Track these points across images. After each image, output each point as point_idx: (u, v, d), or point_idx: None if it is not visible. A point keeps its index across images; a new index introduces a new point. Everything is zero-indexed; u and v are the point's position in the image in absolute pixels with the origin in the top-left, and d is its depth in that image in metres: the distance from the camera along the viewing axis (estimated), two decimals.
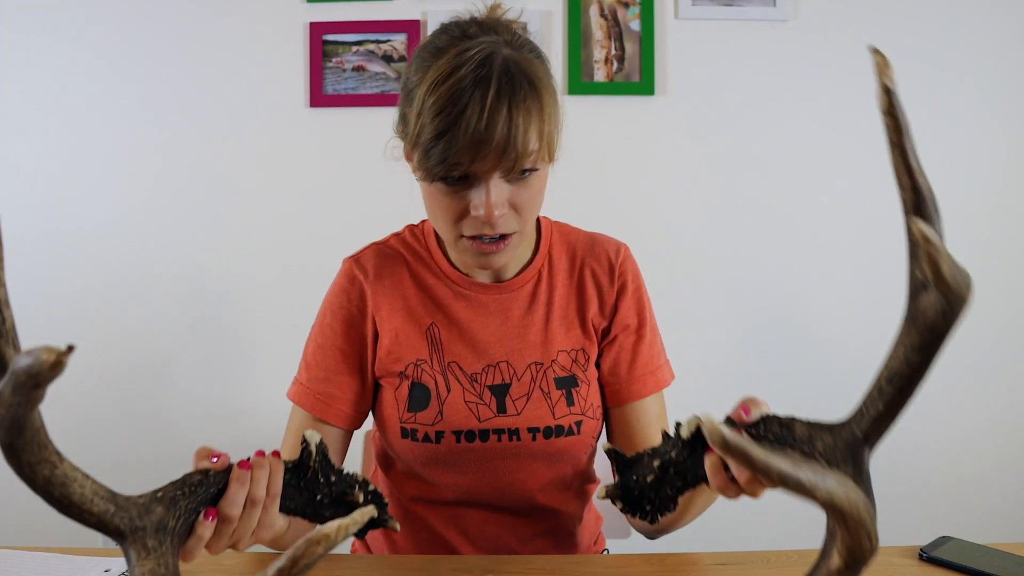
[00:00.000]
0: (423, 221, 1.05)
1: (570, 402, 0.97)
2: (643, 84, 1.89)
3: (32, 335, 1.81)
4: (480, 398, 0.97)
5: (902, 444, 1.98)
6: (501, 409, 0.97)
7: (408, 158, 0.93)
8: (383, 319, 0.99)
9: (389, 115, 0.96)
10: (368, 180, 1.72)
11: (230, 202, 1.93)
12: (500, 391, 0.97)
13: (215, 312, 1.95)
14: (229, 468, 0.67)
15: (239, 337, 1.96)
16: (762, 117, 1.92)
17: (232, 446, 0.68)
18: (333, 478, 0.73)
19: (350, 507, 0.73)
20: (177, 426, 1.94)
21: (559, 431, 0.97)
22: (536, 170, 0.88)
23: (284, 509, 0.71)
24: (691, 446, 0.70)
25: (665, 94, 1.91)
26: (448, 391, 0.97)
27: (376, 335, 1.00)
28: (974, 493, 2.05)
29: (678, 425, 0.71)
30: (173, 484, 0.61)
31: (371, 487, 0.74)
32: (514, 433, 0.96)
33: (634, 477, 0.74)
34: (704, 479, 0.70)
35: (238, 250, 1.93)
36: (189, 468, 0.65)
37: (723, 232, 1.94)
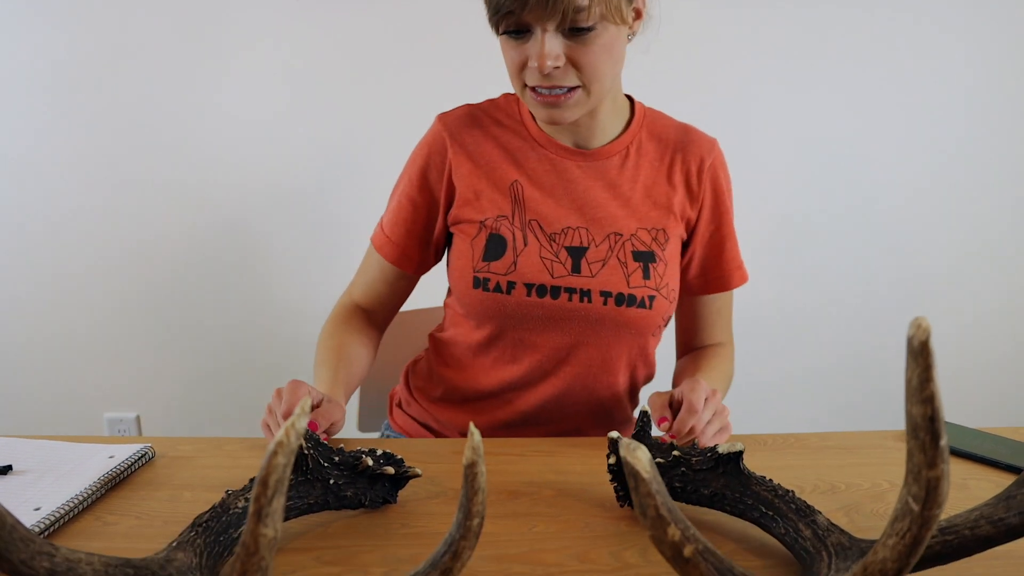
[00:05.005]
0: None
1: (646, 275, 0.98)
2: None
3: (63, 254, 1.78)
4: (556, 256, 0.97)
5: (902, 331, 2.01)
6: (576, 270, 0.97)
7: None
8: (463, 175, 1.01)
9: None
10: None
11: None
12: (577, 253, 0.98)
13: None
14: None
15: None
16: None
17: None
18: (336, 458, 0.71)
19: (365, 476, 0.72)
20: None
21: (631, 300, 0.97)
22: (594, 29, 0.86)
23: (306, 508, 0.69)
24: (716, 463, 0.68)
25: None
26: (525, 245, 0.97)
27: (452, 188, 1.02)
28: (970, 380, 2.09)
29: (715, 447, 0.68)
30: (185, 531, 0.60)
31: (378, 450, 0.73)
32: (586, 294, 0.97)
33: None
34: (704, 503, 0.69)
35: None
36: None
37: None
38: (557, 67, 0.87)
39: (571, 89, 0.90)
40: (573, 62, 0.88)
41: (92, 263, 1.96)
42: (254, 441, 0.90)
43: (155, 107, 1.85)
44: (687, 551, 0.46)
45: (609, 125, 1.02)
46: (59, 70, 1.82)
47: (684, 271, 1.07)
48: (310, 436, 0.69)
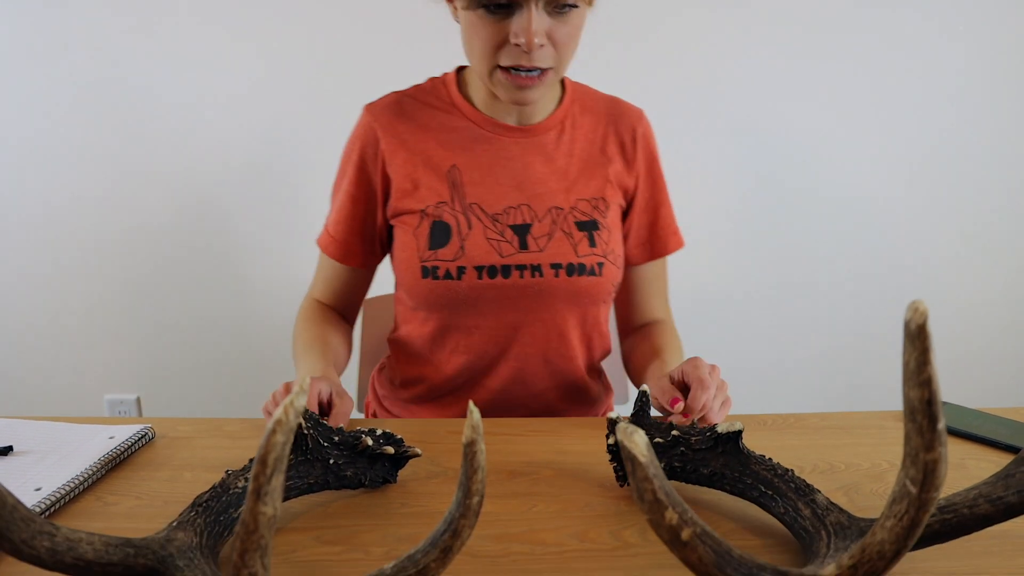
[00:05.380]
0: (444, 73, 1.06)
1: (592, 243, 0.99)
2: None
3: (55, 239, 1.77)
4: (502, 236, 0.97)
5: (898, 311, 2.01)
6: (523, 246, 0.97)
7: None
8: (398, 165, 1.00)
9: None
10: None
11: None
12: (522, 230, 0.98)
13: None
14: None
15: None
16: None
17: None
18: (336, 438, 0.70)
19: (365, 456, 0.72)
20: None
21: (581, 269, 0.98)
22: (576, 7, 0.88)
23: (306, 488, 0.69)
24: (715, 442, 0.68)
25: None
26: (470, 228, 0.97)
27: (388, 180, 1.01)
28: (970, 360, 2.09)
29: (714, 427, 0.68)
30: (185, 511, 0.60)
31: (377, 430, 0.73)
32: (537, 269, 0.97)
33: (643, 428, 0.72)
34: (703, 482, 0.69)
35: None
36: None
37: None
38: (543, 45, 0.87)
39: (543, 71, 0.90)
40: (552, 40, 0.88)
41: (92, 245, 1.96)
42: (254, 422, 0.90)
43: (161, 97, 1.84)
44: (685, 534, 0.46)
45: (547, 101, 1.03)
46: (33, 52, 1.81)
47: (624, 241, 1.07)
48: (310, 416, 0.69)
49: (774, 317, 2.04)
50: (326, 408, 0.83)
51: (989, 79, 1.88)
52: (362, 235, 1.05)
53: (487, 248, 0.96)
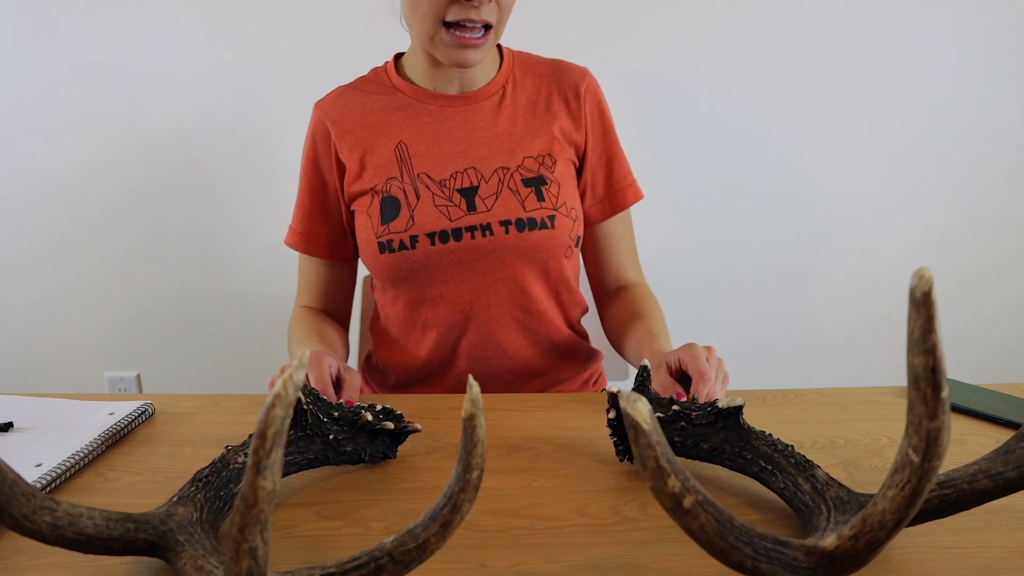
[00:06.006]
0: (385, 62, 1.11)
1: (540, 198, 1.00)
2: None
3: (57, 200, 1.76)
4: (450, 200, 0.99)
5: (902, 287, 2.01)
6: (471, 208, 0.99)
7: None
8: (348, 151, 1.03)
9: None
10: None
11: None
12: (469, 193, 1.00)
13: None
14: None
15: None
16: None
17: None
18: (335, 413, 0.70)
19: (365, 431, 0.72)
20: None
21: (532, 224, 0.99)
22: None
23: (306, 464, 0.69)
24: (715, 418, 0.67)
25: None
26: (418, 198, 0.99)
27: (342, 167, 1.05)
28: (970, 336, 2.09)
29: (715, 402, 0.68)
30: (185, 486, 0.59)
31: (377, 406, 0.73)
32: (487, 228, 0.99)
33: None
34: (704, 457, 0.69)
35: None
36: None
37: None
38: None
39: (485, 31, 0.94)
40: None
41: (92, 223, 1.95)
42: (254, 398, 0.90)
43: (154, 69, 1.82)
44: (687, 502, 0.46)
45: (486, 68, 1.05)
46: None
47: (582, 200, 1.08)
48: (309, 391, 0.69)
49: (774, 296, 2.04)
50: (335, 383, 0.83)
51: (978, 54, 1.86)
52: (326, 225, 1.08)
53: (436, 215, 0.99)
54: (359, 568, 0.46)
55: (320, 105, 1.08)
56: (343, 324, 1.14)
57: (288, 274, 1.95)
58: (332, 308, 1.13)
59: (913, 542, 0.60)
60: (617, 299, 1.11)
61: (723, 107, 1.89)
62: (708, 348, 0.83)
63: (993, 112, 1.91)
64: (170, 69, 1.83)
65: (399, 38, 1.09)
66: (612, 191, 1.08)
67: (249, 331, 2.05)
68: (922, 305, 0.41)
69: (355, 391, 0.84)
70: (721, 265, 2.00)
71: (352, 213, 1.06)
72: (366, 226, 1.01)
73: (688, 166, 1.89)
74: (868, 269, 2.03)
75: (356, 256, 1.11)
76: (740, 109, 1.89)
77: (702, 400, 0.78)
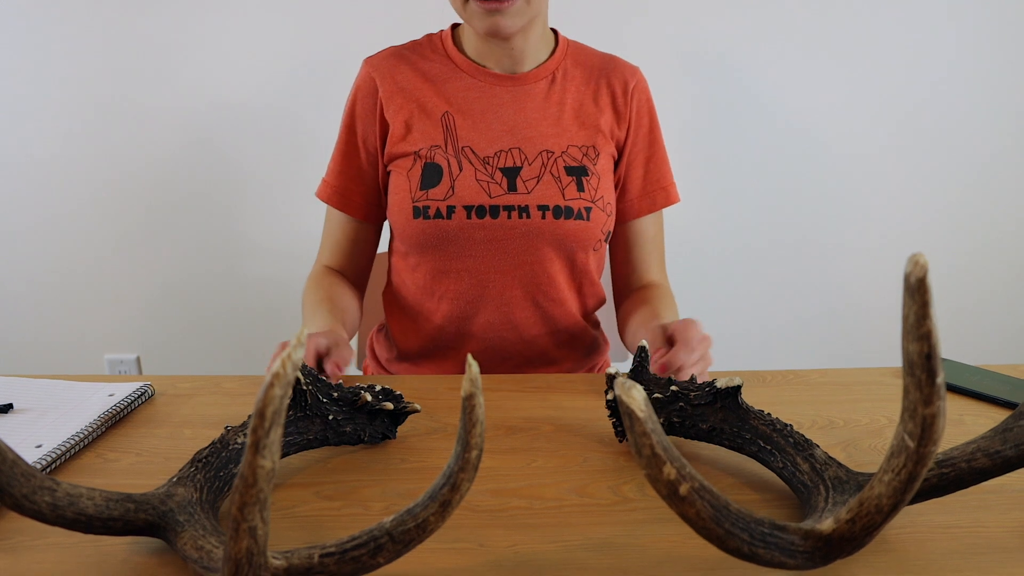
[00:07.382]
0: (440, 30, 1.10)
1: (580, 188, 1.01)
2: None
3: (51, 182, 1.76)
4: (492, 178, 1.00)
5: (898, 269, 2.00)
6: (512, 188, 1.00)
7: None
8: (394, 111, 1.03)
9: None
10: None
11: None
12: (511, 173, 1.00)
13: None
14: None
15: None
16: None
17: None
18: (335, 394, 0.70)
19: (364, 412, 0.72)
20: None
21: (568, 212, 1.00)
22: None
23: (305, 444, 0.69)
24: (714, 398, 0.67)
25: None
26: (460, 170, 1.00)
27: (385, 125, 1.04)
28: (969, 317, 2.09)
29: (713, 382, 0.68)
30: (185, 466, 0.59)
31: (376, 387, 0.73)
32: (524, 210, 0.99)
33: (642, 384, 0.72)
34: (702, 437, 0.70)
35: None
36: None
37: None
38: None
39: None
40: None
41: (90, 204, 1.94)
42: (253, 379, 0.90)
43: (151, 39, 1.81)
44: (683, 489, 0.46)
45: (538, 51, 1.05)
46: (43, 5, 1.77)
47: (618, 194, 1.08)
48: (308, 372, 0.69)
49: (774, 275, 2.04)
50: (323, 359, 0.83)
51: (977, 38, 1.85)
52: (361, 182, 1.07)
53: (477, 189, 0.99)
54: (358, 547, 0.47)
55: (370, 61, 1.07)
56: (360, 288, 1.13)
57: (288, 256, 1.96)
58: (352, 269, 1.12)
59: (911, 521, 0.60)
60: (635, 296, 1.10)
61: (737, 88, 1.88)
62: (704, 335, 0.83)
63: (993, 95, 1.90)
64: (168, 48, 1.82)
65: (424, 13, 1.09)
66: (648, 191, 1.09)
67: (249, 313, 2.04)
68: (916, 291, 0.41)
69: (343, 363, 0.82)
70: (721, 246, 1.99)
71: (388, 173, 1.05)
72: (403, 188, 1.01)
73: (682, 145, 1.88)
74: (871, 250, 2.02)
75: (383, 220, 1.11)
76: (756, 90, 1.88)
77: (673, 368, 0.78)
